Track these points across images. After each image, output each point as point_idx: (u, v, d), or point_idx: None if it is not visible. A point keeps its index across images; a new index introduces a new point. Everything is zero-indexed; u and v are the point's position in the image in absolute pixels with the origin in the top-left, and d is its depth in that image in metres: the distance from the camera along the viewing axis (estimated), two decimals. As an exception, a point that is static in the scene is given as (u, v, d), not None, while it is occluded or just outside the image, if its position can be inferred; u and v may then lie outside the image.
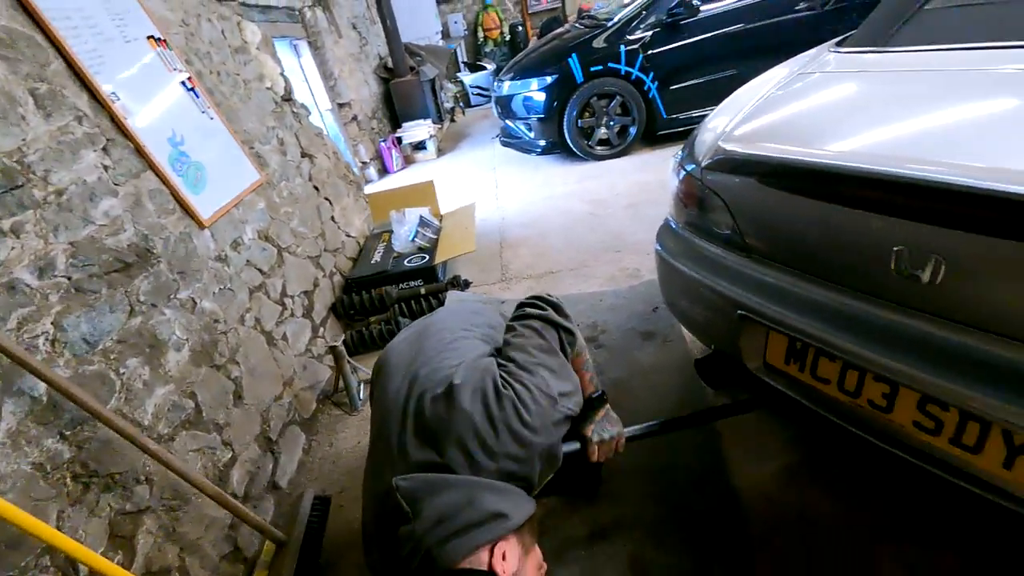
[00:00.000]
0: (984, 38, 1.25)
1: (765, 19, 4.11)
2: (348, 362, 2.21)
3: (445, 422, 1.00)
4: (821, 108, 1.37)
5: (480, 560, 0.89)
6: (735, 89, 1.69)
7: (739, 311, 1.30)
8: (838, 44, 1.61)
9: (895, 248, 0.99)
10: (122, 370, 1.44)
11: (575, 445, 1.27)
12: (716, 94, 2.00)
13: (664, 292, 1.68)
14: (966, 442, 0.99)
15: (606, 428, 1.30)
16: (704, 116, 1.63)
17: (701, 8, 4.16)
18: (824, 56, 1.58)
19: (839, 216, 1.08)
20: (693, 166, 1.45)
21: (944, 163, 0.95)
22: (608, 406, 1.35)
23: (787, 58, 1.75)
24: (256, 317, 2.11)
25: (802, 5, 4.04)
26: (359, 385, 2.29)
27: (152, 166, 1.80)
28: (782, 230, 1.25)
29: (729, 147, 1.35)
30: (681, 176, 1.52)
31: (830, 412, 1.21)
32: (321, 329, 2.61)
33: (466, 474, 0.97)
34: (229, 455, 1.72)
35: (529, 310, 1.24)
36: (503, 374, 1.08)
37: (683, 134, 4.41)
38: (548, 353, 1.15)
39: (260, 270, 2.24)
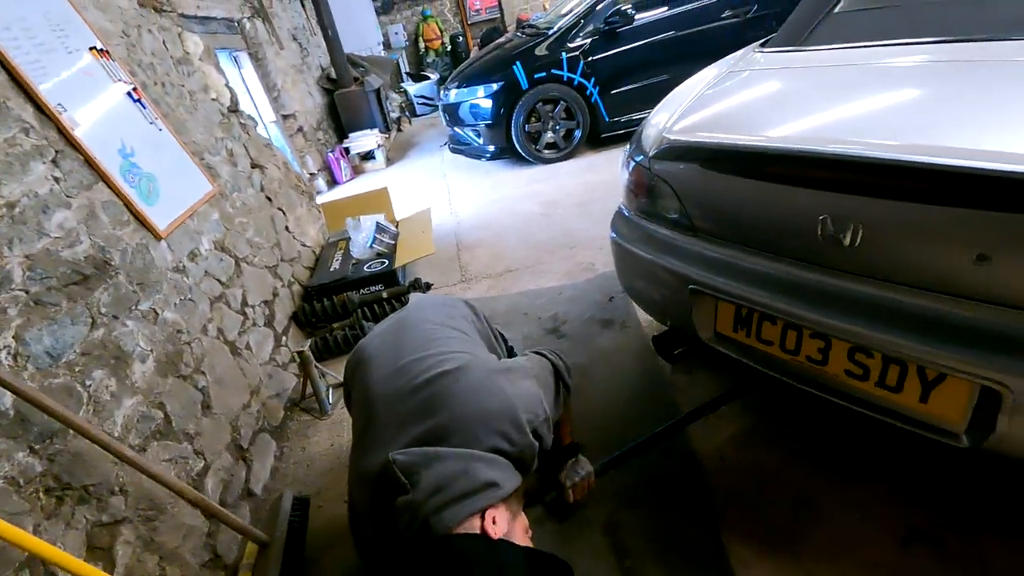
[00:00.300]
0: (884, 37, 1.43)
1: (695, 26, 4.40)
2: (316, 367, 2.21)
3: (445, 400, 1.07)
4: (751, 100, 1.52)
5: (473, 525, 0.95)
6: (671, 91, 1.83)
7: (690, 286, 1.42)
8: (762, 45, 1.78)
9: (820, 217, 1.13)
10: (88, 382, 1.42)
11: (553, 494, 1.36)
12: (654, 97, 2.13)
13: (621, 276, 1.80)
14: (889, 383, 1.13)
15: (578, 471, 1.41)
16: (644, 118, 1.76)
17: (636, 17, 4.40)
18: (750, 56, 1.75)
19: (772, 193, 1.22)
20: (642, 157, 1.57)
21: (856, 141, 1.10)
22: (580, 454, 1.46)
23: (716, 61, 1.92)
24: (219, 327, 2.08)
25: (727, 13, 4.34)
26: (328, 390, 2.29)
27: (104, 177, 1.77)
28: (724, 209, 1.39)
29: (673, 137, 1.48)
30: (631, 167, 1.64)
31: (775, 371, 1.35)
32: (284, 338, 2.60)
33: (462, 447, 1.03)
34: (201, 464, 1.70)
35: (545, 353, 1.36)
36: (506, 368, 1.17)
37: (625, 136, 4.61)
38: (548, 386, 1.26)
39: (219, 280, 2.22)
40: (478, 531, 0.95)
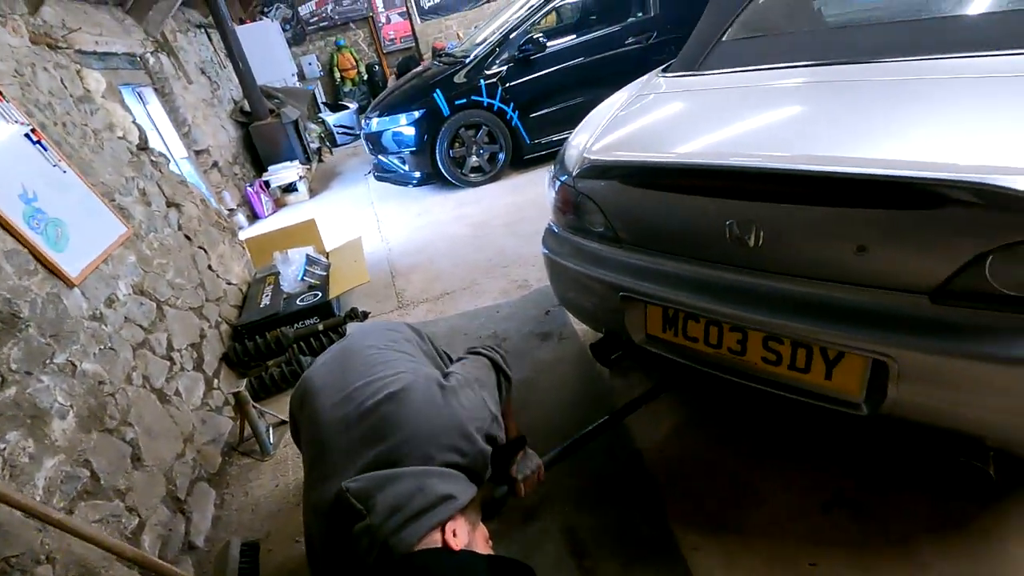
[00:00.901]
0: (765, 61, 1.63)
1: (602, 52, 4.69)
2: (253, 407, 2.13)
3: (394, 423, 1.08)
4: (659, 120, 1.67)
5: (434, 540, 0.96)
6: (587, 113, 1.97)
7: (620, 293, 1.52)
8: (663, 70, 1.95)
9: (727, 223, 1.26)
10: (2, 445, 1.31)
11: (504, 488, 1.40)
12: (571, 119, 2.27)
13: (555, 289, 1.89)
14: (799, 365, 1.27)
15: (527, 465, 1.44)
16: (563, 139, 1.88)
17: (548, 44, 4.63)
18: (654, 80, 1.91)
19: (683, 203, 1.35)
20: (566, 176, 1.67)
21: (752, 154, 1.26)
22: (527, 447, 1.49)
23: (625, 84, 2.07)
24: (144, 375, 1.97)
25: (631, 40, 4.67)
26: (268, 429, 2.21)
27: (5, 225, 1.66)
28: (644, 221, 1.51)
29: (593, 157, 1.59)
30: (557, 187, 1.74)
31: (702, 365, 1.47)
32: (215, 380, 2.48)
33: (415, 466, 1.05)
34: (136, 521, 1.59)
35: (481, 350, 1.40)
36: (449, 382, 1.19)
37: (547, 157, 4.81)
38: (489, 383, 1.30)
39: (141, 326, 2.10)
40: (439, 545, 0.97)
